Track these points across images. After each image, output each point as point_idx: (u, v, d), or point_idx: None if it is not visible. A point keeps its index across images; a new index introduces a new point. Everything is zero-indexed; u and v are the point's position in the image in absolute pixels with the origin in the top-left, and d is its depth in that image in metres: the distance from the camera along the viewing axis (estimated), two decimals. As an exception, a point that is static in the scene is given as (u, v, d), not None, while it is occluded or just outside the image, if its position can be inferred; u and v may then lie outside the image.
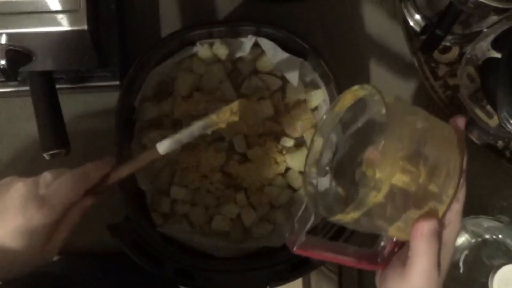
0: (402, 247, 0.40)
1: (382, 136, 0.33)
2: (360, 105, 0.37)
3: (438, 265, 0.37)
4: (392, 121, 0.33)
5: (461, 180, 0.36)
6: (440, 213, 0.36)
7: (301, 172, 0.56)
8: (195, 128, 0.44)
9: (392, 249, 0.39)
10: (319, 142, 0.39)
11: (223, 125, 0.45)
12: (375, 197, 0.32)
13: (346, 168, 0.39)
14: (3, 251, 0.39)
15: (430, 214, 0.35)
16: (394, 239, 0.39)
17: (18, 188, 0.39)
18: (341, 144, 0.39)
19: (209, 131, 0.45)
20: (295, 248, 0.37)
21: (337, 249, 0.39)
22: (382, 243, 0.39)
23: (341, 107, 0.38)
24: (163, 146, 0.44)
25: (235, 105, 0.44)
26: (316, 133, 0.39)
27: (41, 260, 0.41)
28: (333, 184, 0.38)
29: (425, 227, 0.35)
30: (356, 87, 0.36)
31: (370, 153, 0.36)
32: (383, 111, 0.33)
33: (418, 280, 0.36)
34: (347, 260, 0.39)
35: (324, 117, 0.38)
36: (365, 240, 0.41)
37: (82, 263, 0.63)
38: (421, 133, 0.35)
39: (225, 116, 0.45)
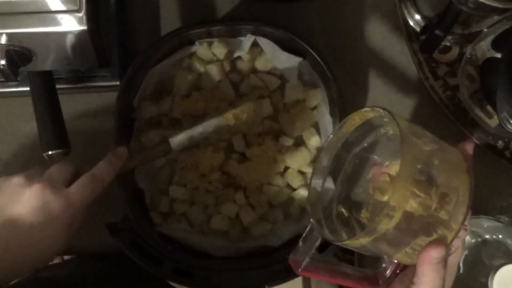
0: (404, 270, 0.39)
1: (389, 158, 0.32)
2: (368, 125, 0.37)
3: None
4: (405, 144, 0.32)
5: (470, 212, 0.36)
6: (449, 240, 0.35)
7: (300, 172, 0.56)
8: (208, 125, 0.46)
9: (394, 271, 0.39)
10: (325, 161, 0.38)
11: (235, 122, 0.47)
12: (388, 224, 0.32)
13: (350, 188, 0.39)
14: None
15: (439, 242, 0.35)
16: (396, 261, 0.38)
17: (38, 186, 0.40)
18: (345, 163, 0.39)
19: (220, 129, 0.47)
20: (299, 270, 0.37)
21: (339, 271, 0.39)
22: (384, 265, 0.38)
23: (349, 128, 0.37)
24: (175, 141, 0.45)
25: (248, 107, 0.45)
26: (322, 152, 0.38)
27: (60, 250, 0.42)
28: (335, 204, 0.38)
29: (434, 255, 0.35)
30: (367, 108, 0.36)
31: (377, 173, 0.36)
32: (393, 131, 0.33)
33: None
34: (349, 282, 0.39)
35: (331, 136, 0.38)
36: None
37: (87, 267, 0.63)
38: (431, 157, 0.34)
39: (242, 114, 0.47)
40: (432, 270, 0.35)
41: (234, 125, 0.55)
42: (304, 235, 0.38)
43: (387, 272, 0.39)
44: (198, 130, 0.45)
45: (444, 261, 0.35)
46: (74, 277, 0.58)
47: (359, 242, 0.33)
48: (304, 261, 0.37)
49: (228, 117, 0.45)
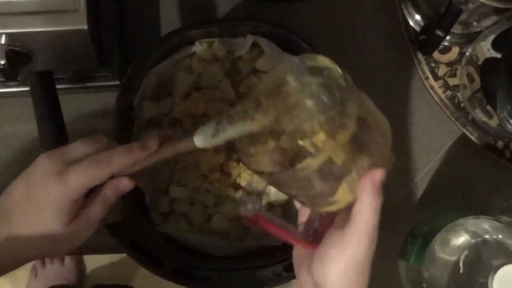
0: (332, 223, 0.38)
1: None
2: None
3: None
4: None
5: None
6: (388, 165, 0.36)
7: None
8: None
9: (323, 227, 0.38)
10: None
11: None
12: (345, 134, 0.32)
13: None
14: (31, 223, 0.38)
15: (378, 167, 0.35)
16: (322, 214, 0.38)
17: (41, 160, 0.38)
18: None
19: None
20: (246, 213, 0.37)
21: (282, 226, 0.39)
22: (315, 224, 0.38)
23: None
24: (200, 140, 0.39)
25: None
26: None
27: (71, 240, 0.39)
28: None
29: (377, 175, 0.35)
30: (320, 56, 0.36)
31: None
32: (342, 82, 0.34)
33: (364, 239, 0.35)
34: (287, 237, 0.38)
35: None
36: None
37: None
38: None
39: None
40: (374, 193, 0.35)
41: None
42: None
43: (316, 226, 0.38)
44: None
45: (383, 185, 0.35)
46: None
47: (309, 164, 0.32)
48: (254, 211, 0.37)
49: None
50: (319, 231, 0.38)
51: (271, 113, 0.36)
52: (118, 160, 0.38)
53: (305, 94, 0.35)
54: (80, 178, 0.37)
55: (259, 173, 0.37)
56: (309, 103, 0.35)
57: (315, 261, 0.37)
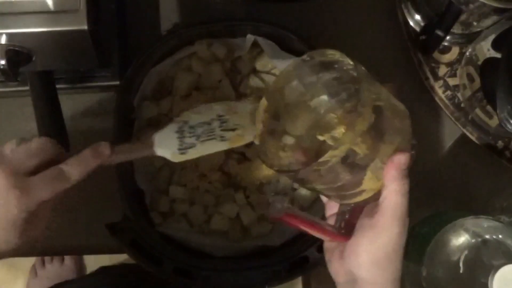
0: (361, 213, 0.39)
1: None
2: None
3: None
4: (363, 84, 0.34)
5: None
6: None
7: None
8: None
9: (354, 219, 0.38)
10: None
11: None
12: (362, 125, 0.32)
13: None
14: None
15: (402, 150, 0.35)
16: (352, 206, 0.38)
17: None
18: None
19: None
20: (276, 213, 0.37)
21: (315, 221, 0.39)
22: (347, 216, 0.39)
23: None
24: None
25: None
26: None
27: (10, 246, 0.37)
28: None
29: (402, 159, 0.35)
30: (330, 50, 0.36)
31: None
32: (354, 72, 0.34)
33: (395, 221, 0.35)
34: (321, 232, 0.39)
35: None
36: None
37: (98, 281, 0.63)
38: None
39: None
40: (401, 177, 0.35)
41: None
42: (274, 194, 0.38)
43: (346, 218, 0.38)
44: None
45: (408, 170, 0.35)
46: None
47: (332, 156, 0.33)
48: (283, 209, 0.37)
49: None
50: (350, 222, 0.38)
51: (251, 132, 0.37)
52: (76, 172, 0.38)
53: (316, 91, 0.35)
54: (43, 193, 0.37)
55: (283, 171, 0.36)
56: (323, 99, 0.35)
57: (348, 250, 0.37)
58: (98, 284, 0.65)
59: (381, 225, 0.36)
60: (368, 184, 0.36)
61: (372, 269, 0.37)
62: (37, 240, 0.39)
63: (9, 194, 0.36)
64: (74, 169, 0.38)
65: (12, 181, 0.36)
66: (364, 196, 0.37)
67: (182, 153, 0.40)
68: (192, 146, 0.40)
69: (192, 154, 0.40)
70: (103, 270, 0.71)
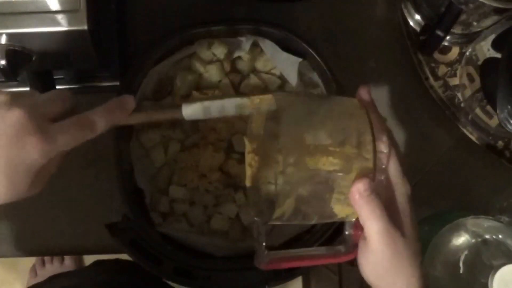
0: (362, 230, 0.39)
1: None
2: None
3: (397, 226, 0.36)
4: (285, 120, 0.36)
5: (382, 137, 0.36)
6: (370, 166, 0.36)
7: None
8: (227, 103, 0.41)
9: (356, 235, 0.39)
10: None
11: (254, 111, 0.41)
12: (298, 174, 0.34)
13: None
14: None
15: (360, 176, 0.35)
16: (353, 221, 0.39)
17: (16, 113, 0.34)
18: None
19: (239, 113, 0.42)
20: (262, 265, 0.38)
21: (305, 255, 0.40)
22: (347, 232, 0.39)
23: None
24: (189, 110, 0.40)
25: (267, 97, 0.41)
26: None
27: (17, 194, 0.35)
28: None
29: (360, 187, 0.35)
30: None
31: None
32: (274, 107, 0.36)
33: (379, 245, 0.36)
34: (314, 262, 0.40)
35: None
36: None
37: (92, 275, 0.63)
38: (317, 120, 0.36)
39: (254, 102, 0.42)
40: (366, 203, 0.35)
41: (234, 125, 0.55)
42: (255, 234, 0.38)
43: (351, 238, 0.39)
44: (216, 104, 0.40)
45: (375, 191, 0.35)
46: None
47: (282, 210, 0.35)
48: (263, 257, 0.38)
49: (246, 101, 0.40)
50: (354, 239, 0.39)
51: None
52: (101, 123, 0.37)
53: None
54: (65, 140, 0.35)
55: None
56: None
57: (358, 263, 0.39)
58: (93, 276, 0.65)
59: (370, 249, 0.37)
60: (339, 210, 0.37)
61: (379, 283, 0.38)
62: (39, 190, 0.37)
63: (32, 137, 0.33)
64: (100, 118, 0.37)
65: (36, 125, 0.34)
66: (339, 217, 0.38)
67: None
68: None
69: (208, 104, 0.41)
70: (97, 263, 0.71)
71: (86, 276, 0.67)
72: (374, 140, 0.36)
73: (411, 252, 0.37)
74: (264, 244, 0.38)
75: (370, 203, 0.35)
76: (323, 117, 0.36)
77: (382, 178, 0.37)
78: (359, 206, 0.36)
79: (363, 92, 0.39)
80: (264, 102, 0.42)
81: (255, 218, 0.38)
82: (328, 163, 0.35)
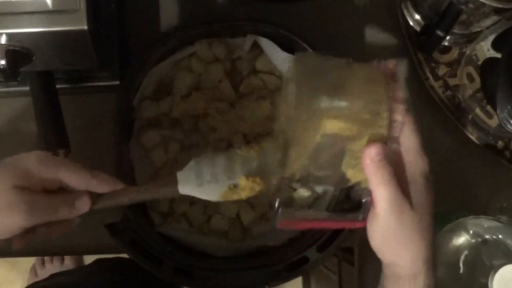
0: None
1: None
2: None
3: (406, 195, 0.36)
4: (299, 79, 0.35)
5: (399, 106, 0.36)
6: (385, 133, 0.36)
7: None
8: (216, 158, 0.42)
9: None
10: None
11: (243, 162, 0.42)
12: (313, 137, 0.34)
13: None
14: None
15: (373, 141, 0.36)
16: (369, 188, 0.38)
17: (8, 185, 0.36)
18: None
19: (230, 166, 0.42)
20: (276, 224, 0.38)
21: (318, 218, 0.39)
22: (364, 200, 0.39)
23: None
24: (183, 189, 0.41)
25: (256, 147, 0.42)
26: None
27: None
28: None
29: (371, 151, 0.35)
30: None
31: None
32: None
33: (385, 213, 0.36)
34: (328, 225, 0.39)
35: None
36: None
37: (92, 273, 0.63)
38: (337, 82, 0.36)
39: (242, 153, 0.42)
40: (377, 168, 0.35)
41: (234, 125, 0.55)
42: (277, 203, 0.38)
43: (368, 205, 0.38)
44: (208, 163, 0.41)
45: (387, 158, 0.35)
46: (80, 285, 0.59)
47: (295, 167, 0.34)
48: (280, 216, 0.38)
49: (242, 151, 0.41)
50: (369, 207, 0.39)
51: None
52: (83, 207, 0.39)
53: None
54: (46, 217, 0.38)
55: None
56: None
57: (367, 228, 0.39)
58: (93, 274, 0.65)
59: (376, 215, 0.37)
60: (351, 174, 0.37)
61: (384, 251, 0.38)
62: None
63: (17, 206, 0.36)
64: (83, 203, 0.39)
65: (25, 196, 0.36)
66: (352, 182, 0.38)
67: (198, 186, 0.41)
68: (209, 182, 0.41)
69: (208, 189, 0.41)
70: (98, 262, 0.71)
71: (86, 274, 0.67)
72: (389, 109, 0.36)
73: (419, 226, 0.37)
74: (278, 200, 0.38)
75: (380, 168, 0.35)
76: (344, 80, 0.36)
77: (394, 145, 0.37)
78: (370, 171, 0.36)
79: (390, 63, 0.39)
80: (252, 152, 0.43)
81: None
82: (341, 127, 0.34)
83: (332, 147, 0.36)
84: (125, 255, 0.51)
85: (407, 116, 0.37)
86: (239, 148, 0.42)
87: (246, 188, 0.41)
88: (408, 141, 0.37)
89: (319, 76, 0.36)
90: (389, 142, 0.36)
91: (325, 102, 0.34)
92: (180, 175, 0.41)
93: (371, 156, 0.35)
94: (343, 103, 0.35)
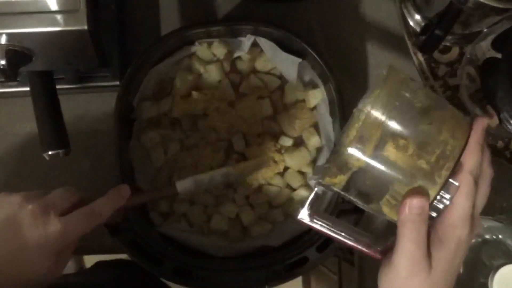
0: None
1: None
2: None
3: (428, 254, 0.35)
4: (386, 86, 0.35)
5: (465, 169, 0.34)
6: (432, 194, 0.34)
7: (300, 172, 0.56)
8: (217, 174, 0.48)
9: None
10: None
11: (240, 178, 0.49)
12: (358, 161, 0.33)
13: None
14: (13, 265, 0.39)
15: (419, 190, 0.34)
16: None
17: (29, 210, 0.39)
18: None
19: (231, 179, 0.49)
20: (303, 222, 0.37)
21: (341, 233, 0.38)
22: (391, 240, 0.37)
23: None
24: (182, 185, 0.47)
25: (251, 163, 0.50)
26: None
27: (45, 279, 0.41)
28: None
29: (413, 202, 0.33)
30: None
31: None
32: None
33: (401, 263, 0.34)
34: (347, 243, 0.38)
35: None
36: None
37: (99, 276, 0.64)
38: (417, 110, 0.35)
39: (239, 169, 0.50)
40: (410, 220, 0.33)
41: (234, 125, 0.55)
42: (309, 200, 0.37)
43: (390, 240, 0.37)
44: (205, 176, 0.48)
45: (425, 215, 0.34)
46: (85, 285, 0.59)
47: (338, 180, 0.34)
48: (307, 216, 0.37)
49: (236, 169, 0.49)
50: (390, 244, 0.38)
51: None
52: (106, 211, 0.43)
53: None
54: (75, 229, 0.41)
55: None
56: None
57: (380, 266, 0.38)
58: (94, 275, 0.65)
59: (393, 261, 0.35)
60: (387, 211, 0.36)
61: None
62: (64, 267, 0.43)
63: (38, 232, 0.39)
64: (104, 206, 0.43)
65: (45, 221, 0.39)
66: (387, 214, 0.36)
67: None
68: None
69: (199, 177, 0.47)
70: (99, 265, 0.71)
71: (87, 276, 0.67)
72: (453, 170, 0.34)
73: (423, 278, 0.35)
74: (309, 201, 0.37)
75: (414, 223, 0.34)
76: (431, 108, 0.34)
77: (441, 207, 0.35)
78: (403, 218, 0.34)
79: (481, 122, 0.36)
80: (249, 167, 0.48)
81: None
82: (399, 158, 0.33)
83: (377, 178, 0.34)
84: (125, 256, 0.51)
85: (465, 176, 0.35)
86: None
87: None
88: (457, 205, 0.35)
89: (408, 91, 0.35)
90: (437, 202, 0.35)
91: (396, 127, 0.33)
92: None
93: (410, 206, 0.33)
94: (423, 127, 0.34)
